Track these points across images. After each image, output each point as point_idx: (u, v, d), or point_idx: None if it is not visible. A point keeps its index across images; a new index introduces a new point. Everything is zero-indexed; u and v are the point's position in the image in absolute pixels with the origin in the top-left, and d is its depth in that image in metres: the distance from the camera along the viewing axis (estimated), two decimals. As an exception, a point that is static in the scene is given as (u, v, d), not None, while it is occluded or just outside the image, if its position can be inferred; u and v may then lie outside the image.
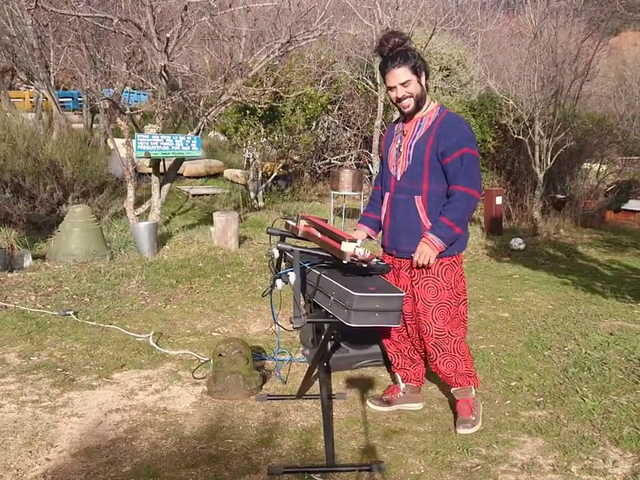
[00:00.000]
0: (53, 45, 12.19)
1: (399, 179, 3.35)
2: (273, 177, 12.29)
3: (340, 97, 13.51)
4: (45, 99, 13.28)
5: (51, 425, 3.35)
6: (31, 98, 16.39)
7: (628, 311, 5.78)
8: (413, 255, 3.27)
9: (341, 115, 13.93)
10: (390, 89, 3.30)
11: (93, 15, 7.78)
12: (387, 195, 3.44)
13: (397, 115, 10.33)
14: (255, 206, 11.46)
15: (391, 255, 3.47)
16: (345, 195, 9.87)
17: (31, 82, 13.21)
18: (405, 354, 3.63)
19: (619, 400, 3.74)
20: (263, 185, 12.05)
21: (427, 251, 3.21)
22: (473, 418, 3.39)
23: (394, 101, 3.33)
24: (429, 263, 3.23)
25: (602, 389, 3.89)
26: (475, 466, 3.04)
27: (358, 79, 12.14)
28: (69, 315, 5.11)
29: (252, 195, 11.75)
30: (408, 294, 3.36)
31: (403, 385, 3.68)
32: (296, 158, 13.15)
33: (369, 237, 3.65)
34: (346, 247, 3.04)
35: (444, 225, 3.19)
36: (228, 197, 11.88)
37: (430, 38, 10.65)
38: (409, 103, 3.27)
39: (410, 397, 3.67)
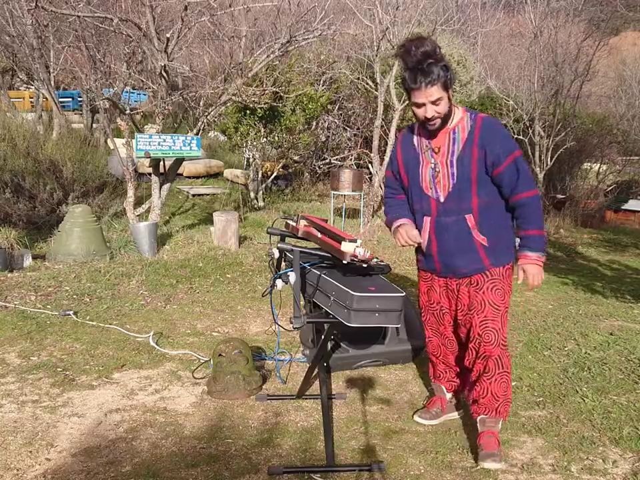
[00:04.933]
0: (53, 44, 12.22)
1: (442, 200, 3.04)
2: (273, 176, 12.31)
3: (340, 97, 13.52)
4: (44, 99, 13.30)
5: (51, 425, 3.35)
6: (31, 98, 16.38)
7: (628, 311, 5.78)
8: (522, 278, 3.07)
9: (341, 114, 13.94)
10: (417, 105, 2.94)
11: (93, 15, 7.77)
12: (426, 219, 3.12)
13: (397, 116, 10.36)
14: (255, 206, 11.47)
15: (443, 278, 3.23)
16: (345, 195, 9.87)
17: (31, 82, 13.24)
18: (454, 367, 3.47)
19: (619, 400, 3.75)
20: (263, 185, 12.06)
21: (537, 271, 3.03)
22: (499, 452, 3.06)
23: (419, 118, 2.99)
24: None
25: (602, 389, 3.90)
26: (474, 466, 3.03)
27: (358, 78, 12.15)
28: (69, 314, 5.11)
29: (252, 194, 11.75)
30: (464, 307, 3.16)
31: (449, 395, 3.54)
32: (296, 158, 13.16)
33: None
34: (346, 247, 3.04)
35: (537, 237, 3.02)
36: (228, 196, 11.90)
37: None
38: (435, 122, 2.95)
39: (454, 405, 3.60)
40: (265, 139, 11.31)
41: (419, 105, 2.92)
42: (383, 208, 3.44)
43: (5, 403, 3.59)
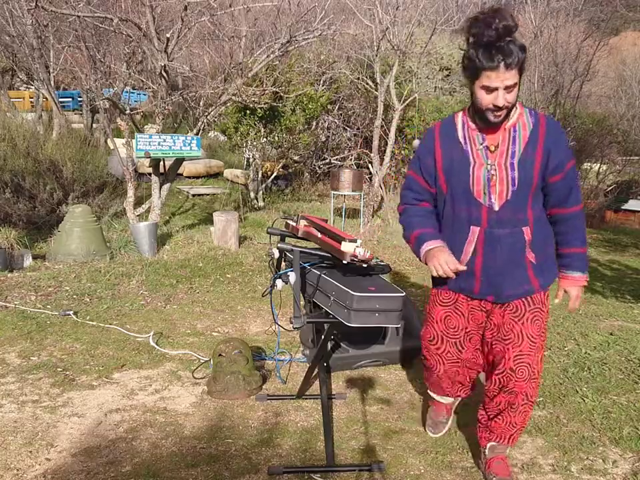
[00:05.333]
0: (52, 44, 12.23)
1: (496, 208, 2.62)
2: (273, 176, 12.31)
3: (340, 97, 13.52)
4: (44, 99, 13.30)
5: (51, 425, 3.35)
6: (31, 98, 16.40)
7: (628, 311, 5.78)
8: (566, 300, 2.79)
9: (341, 114, 13.94)
10: (487, 89, 2.47)
11: (93, 15, 7.77)
12: (474, 229, 2.68)
13: (397, 116, 10.35)
14: (255, 206, 11.46)
15: (478, 300, 2.82)
16: (345, 195, 9.87)
17: (31, 82, 13.24)
18: (467, 385, 3.13)
19: (619, 400, 3.75)
20: (263, 185, 12.06)
21: (580, 292, 2.80)
22: (512, 476, 2.88)
23: (484, 106, 2.51)
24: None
25: (602, 389, 3.90)
26: (474, 466, 3.03)
27: (358, 78, 12.16)
28: (69, 314, 5.11)
29: (252, 194, 11.75)
30: (495, 327, 2.79)
31: (451, 399, 3.24)
32: (296, 158, 13.15)
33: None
34: (346, 247, 3.03)
35: (582, 254, 2.74)
36: (228, 196, 11.90)
37: (430, 38, 10.65)
38: (502, 113, 2.51)
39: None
40: (264, 139, 11.32)
41: (490, 90, 2.46)
42: (399, 216, 2.97)
43: (5, 402, 3.59)
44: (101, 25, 8.18)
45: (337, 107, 13.68)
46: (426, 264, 2.75)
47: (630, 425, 3.44)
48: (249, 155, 11.85)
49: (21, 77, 14.25)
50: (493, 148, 2.60)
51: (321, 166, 14.03)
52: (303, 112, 11.45)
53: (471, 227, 2.68)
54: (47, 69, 12.13)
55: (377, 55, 10.16)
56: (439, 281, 2.85)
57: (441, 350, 2.94)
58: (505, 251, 2.65)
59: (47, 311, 5.21)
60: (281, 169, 12.63)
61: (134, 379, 4.00)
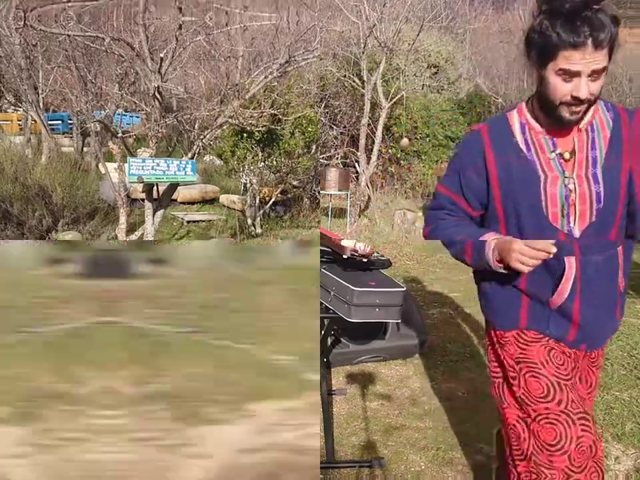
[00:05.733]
0: (41, 65, 12.13)
1: (577, 234, 2.04)
2: (271, 202, 12.38)
3: (326, 95, 13.67)
4: (33, 122, 13.34)
5: (171, 468, 2.77)
6: (19, 120, 16.38)
7: (630, 306, 5.73)
8: None
9: (327, 112, 14.08)
10: (566, 74, 1.86)
11: (84, 34, 7.82)
12: (570, 260, 2.06)
13: (384, 114, 10.51)
14: (253, 233, 11.47)
15: (570, 348, 2.19)
16: (331, 195, 10.03)
17: (19, 103, 13.31)
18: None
19: (621, 396, 3.89)
20: (261, 211, 12.03)
21: None
22: None
23: (558, 99, 1.91)
24: None
25: (604, 385, 4.01)
26: (476, 462, 3.16)
27: (344, 76, 12.35)
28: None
29: (249, 221, 11.74)
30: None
31: None
32: (295, 183, 13.26)
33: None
34: (346, 241, 3.26)
35: None
36: (224, 223, 11.91)
37: (417, 35, 10.89)
38: (581, 109, 1.93)
39: None
40: (262, 163, 11.37)
41: (571, 75, 1.86)
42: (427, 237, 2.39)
43: (115, 441, 2.95)
44: (92, 45, 8.26)
45: (323, 105, 13.75)
46: (502, 266, 2.06)
47: (632, 421, 3.57)
48: (246, 180, 11.85)
49: (8, 98, 14.27)
50: (567, 155, 2.04)
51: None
52: (302, 135, 11.51)
53: (565, 257, 2.06)
54: (35, 90, 12.12)
55: (363, 52, 10.39)
56: (509, 320, 2.22)
57: (564, 403, 2.06)
58: (602, 283, 2.11)
59: (167, 328, 4.72)
60: (279, 195, 12.68)
61: (274, 411, 3.56)
